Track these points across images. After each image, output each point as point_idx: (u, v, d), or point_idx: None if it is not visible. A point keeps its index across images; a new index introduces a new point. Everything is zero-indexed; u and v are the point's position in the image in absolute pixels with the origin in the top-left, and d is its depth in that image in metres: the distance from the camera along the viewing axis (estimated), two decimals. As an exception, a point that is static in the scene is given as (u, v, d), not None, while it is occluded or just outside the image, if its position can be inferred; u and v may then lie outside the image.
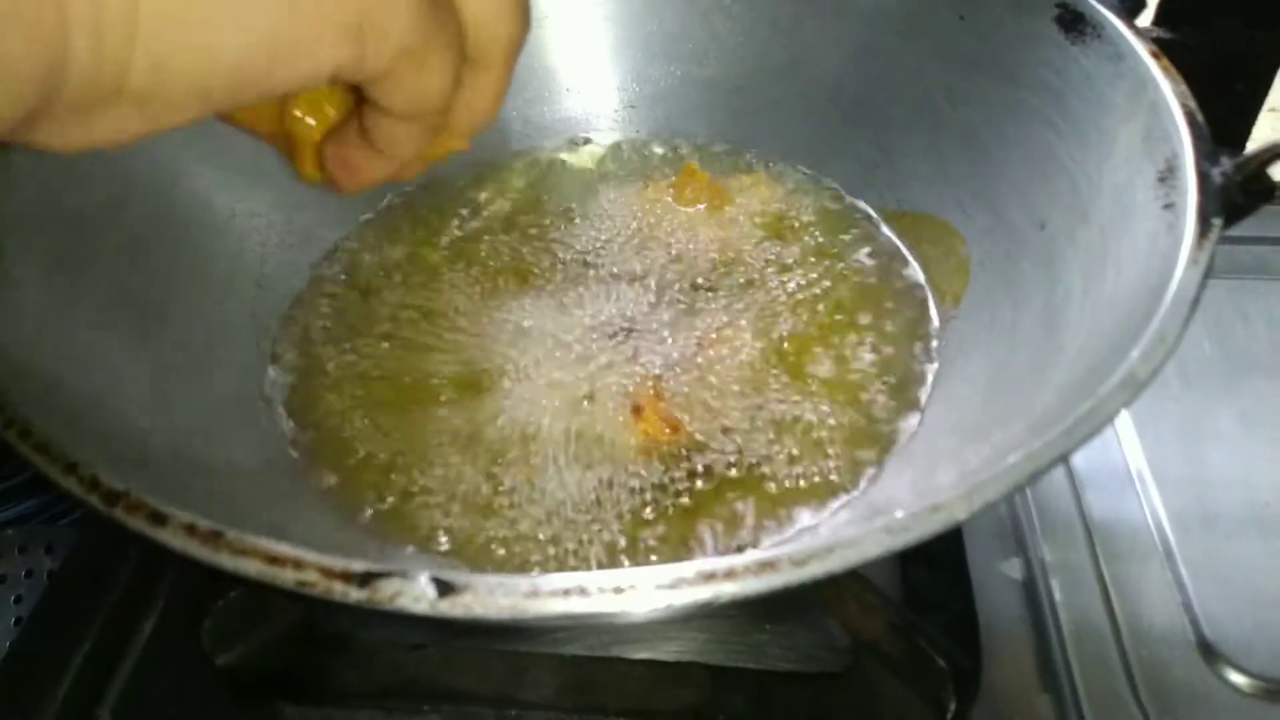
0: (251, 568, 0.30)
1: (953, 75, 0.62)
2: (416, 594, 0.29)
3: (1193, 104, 0.47)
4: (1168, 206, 0.44)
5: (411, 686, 0.52)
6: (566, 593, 0.29)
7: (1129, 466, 0.62)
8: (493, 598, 0.29)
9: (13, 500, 0.78)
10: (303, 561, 0.30)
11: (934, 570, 0.55)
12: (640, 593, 0.30)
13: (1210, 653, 0.53)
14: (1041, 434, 0.34)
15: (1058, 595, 0.56)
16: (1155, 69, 0.49)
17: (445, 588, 0.30)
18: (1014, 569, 0.57)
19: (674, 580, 0.30)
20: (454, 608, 0.29)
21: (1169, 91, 0.47)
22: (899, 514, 0.30)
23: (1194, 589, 0.55)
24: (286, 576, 0.30)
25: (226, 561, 0.30)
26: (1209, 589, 0.55)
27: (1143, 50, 0.50)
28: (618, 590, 0.30)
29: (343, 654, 0.53)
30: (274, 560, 0.30)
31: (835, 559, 0.30)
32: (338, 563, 0.30)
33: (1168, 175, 0.45)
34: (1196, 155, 0.44)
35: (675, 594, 0.30)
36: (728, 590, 0.30)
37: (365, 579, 0.30)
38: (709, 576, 0.30)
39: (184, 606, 0.55)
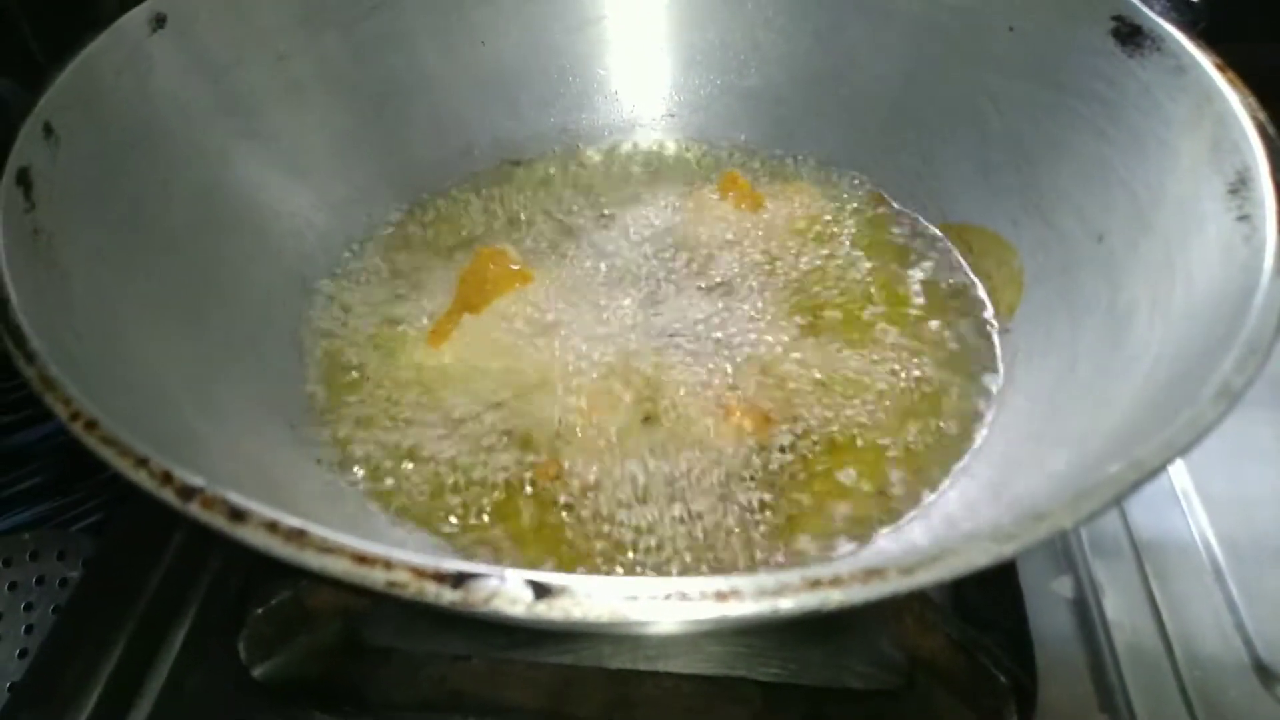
0: (338, 567, 0.29)
1: (1001, 85, 0.61)
2: (512, 596, 0.28)
3: (1263, 116, 0.46)
4: (1243, 218, 0.43)
5: (454, 698, 0.51)
6: (667, 597, 0.28)
7: (1174, 485, 0.61)
8: (591, 601, 0.28)
9: (25, 503, 0.76)
10: (393, 561, 0.29)
11: (987, 588, 0.54)
12: (744, 598, 0.28)
13: (1266, 674, 0.52)
14: (1139, 444, 0.33)
15: (1109, 614, 0.55)
16: (1221, 81, 0.48)
17: (542, 590, 0.28)
18: (1065, 587, 0.56)
19: (779, 586, 0.29)
20: (551, 610, 0.28)
21: (1238, 104, 0.47)
22: (1006, 521, 0.29)
23: (1246, 610, 0.54)
24: (376, 577, 0.29)
25: (311, 560, 0.29)
26: (1262, 610, 0.54)
27: (1207, 63, 0.49)
28: (720, 596, 0.28)
29: (384, 665, 0.52)
30: (362, 560, 0.29)
31: (943, 567, 0.29)
32: (430, 562, 0.29)
33: (1239, 187, 0.45)
34: (1271, 167, 0.44)
35: (780, 600, 0.28)
36: (835, 598, 0.28)
37: (459, 580, 0.28)
38: (814, 583, 0.29)
39: (219, 615, 0.54)
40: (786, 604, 0.28)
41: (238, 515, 0.30)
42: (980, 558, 0.29)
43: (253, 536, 0.30)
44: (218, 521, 0.30)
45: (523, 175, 0.71)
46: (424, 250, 0.66)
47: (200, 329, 0.51)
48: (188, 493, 0.31)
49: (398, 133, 0.68)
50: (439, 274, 0.63)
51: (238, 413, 0.49)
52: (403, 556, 0.29)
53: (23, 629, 0.68)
